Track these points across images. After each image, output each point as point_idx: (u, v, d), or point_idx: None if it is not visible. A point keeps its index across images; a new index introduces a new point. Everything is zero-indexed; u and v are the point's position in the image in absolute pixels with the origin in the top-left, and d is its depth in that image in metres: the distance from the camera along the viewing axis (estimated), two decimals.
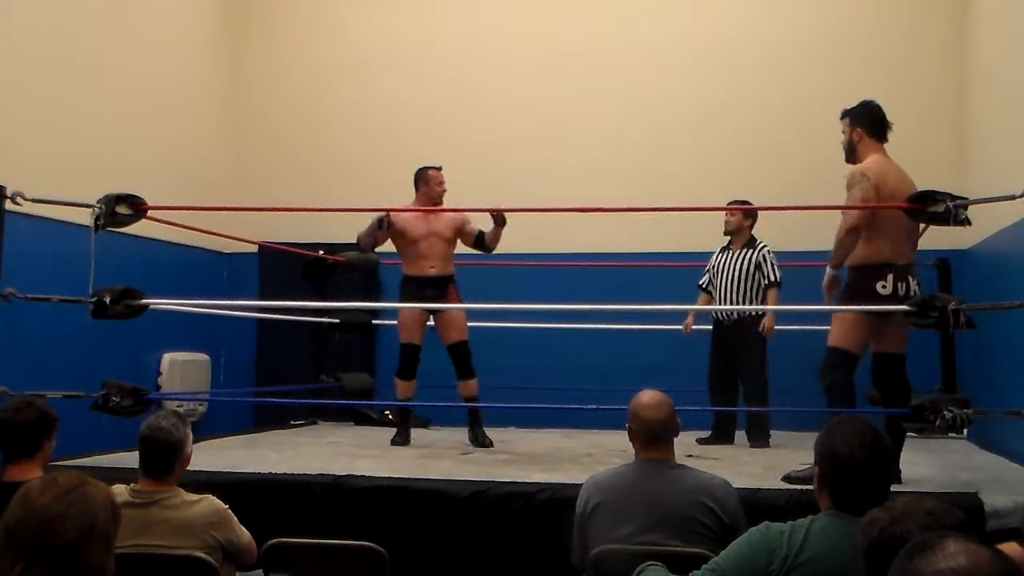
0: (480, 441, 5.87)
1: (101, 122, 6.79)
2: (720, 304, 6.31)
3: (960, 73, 7.54)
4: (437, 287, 5.95)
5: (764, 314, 6.11)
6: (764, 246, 6.28)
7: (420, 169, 6.03)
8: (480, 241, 6.02)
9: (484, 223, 5.97)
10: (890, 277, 4.34)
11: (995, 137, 6.46)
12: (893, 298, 4.34)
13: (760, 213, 6.32)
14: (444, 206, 5.97)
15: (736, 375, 6.24)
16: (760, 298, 6.20)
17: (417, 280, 5.95)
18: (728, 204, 6.33)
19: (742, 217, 6.32)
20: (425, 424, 7.16)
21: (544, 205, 6.56)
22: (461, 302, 6.05)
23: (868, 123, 4.52)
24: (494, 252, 6.11)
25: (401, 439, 6.01)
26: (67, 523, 1.86)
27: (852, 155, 4.55)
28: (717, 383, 6.31)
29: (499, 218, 5.83)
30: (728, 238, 6.42)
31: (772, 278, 6.18)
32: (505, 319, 6.94)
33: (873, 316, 4.38)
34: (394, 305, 6.55)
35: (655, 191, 7.13)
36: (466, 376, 5.96)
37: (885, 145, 4.52)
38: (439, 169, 6.00)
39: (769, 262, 6.21)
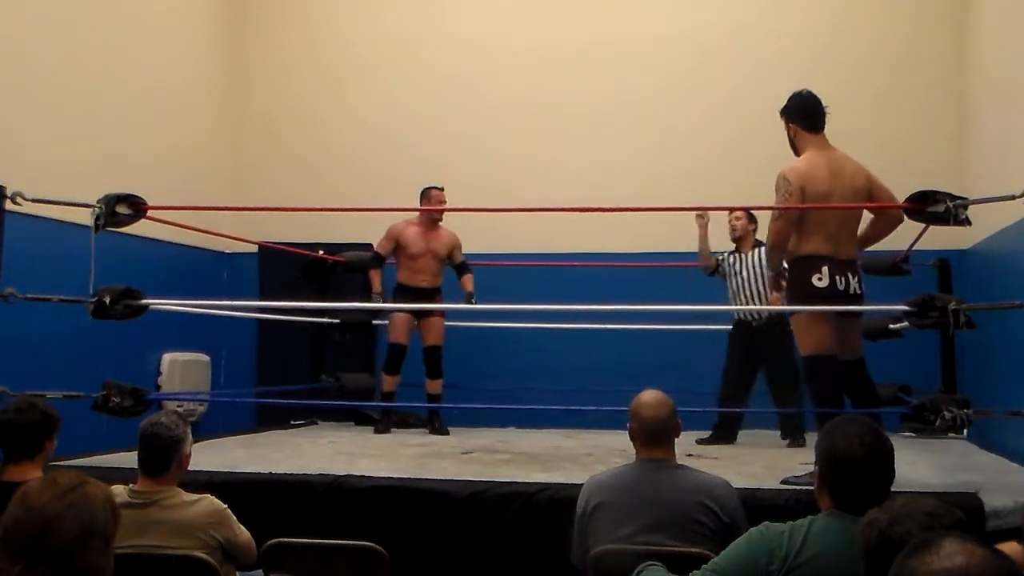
0: (439, 430, 6.60)
1: (101, 122, 6.79)
2: (741, 305, 6.27)
3: (960, 73, 7.53)
4: (427, 297, 6.67)
5: (791, 314, 6.07)
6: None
7: (425, 188, 6.71)
8: (458, 270, 6.77)
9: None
10: (825, 269, 4.25)
11: (995, 137, 6.45)
12: (832, 292, 4.25)
13: (759, 214, 6.32)
14: (442, 222, 6.71)
15: (755, 375, 6.21)
16: None
17: (411, 290, 6.68)
18: (731, 209, 6.33)
19: (748, 221, 6.36)
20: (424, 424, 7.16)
21: (544, 205, 6.56)
22: (444, 312, 6.78)
23: (800, 115, 4.46)
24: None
25: (383, 428, 6.65)
26: (66, 523, 1.86)
27: (795, 151, 4.49)
28: (736, 381, 6.21)
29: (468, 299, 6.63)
30: (734, 244, 6.45)
31: None
32: (505, 319, 6.95)
33: (832, 316, 4.31)
34: (394, 306, 6.66)
35: (655, 191, 7.13)
36: (435, 376, 6.71)
37: (827, 132, 4.44)
38: (441, 189, 6.70)
39: None
